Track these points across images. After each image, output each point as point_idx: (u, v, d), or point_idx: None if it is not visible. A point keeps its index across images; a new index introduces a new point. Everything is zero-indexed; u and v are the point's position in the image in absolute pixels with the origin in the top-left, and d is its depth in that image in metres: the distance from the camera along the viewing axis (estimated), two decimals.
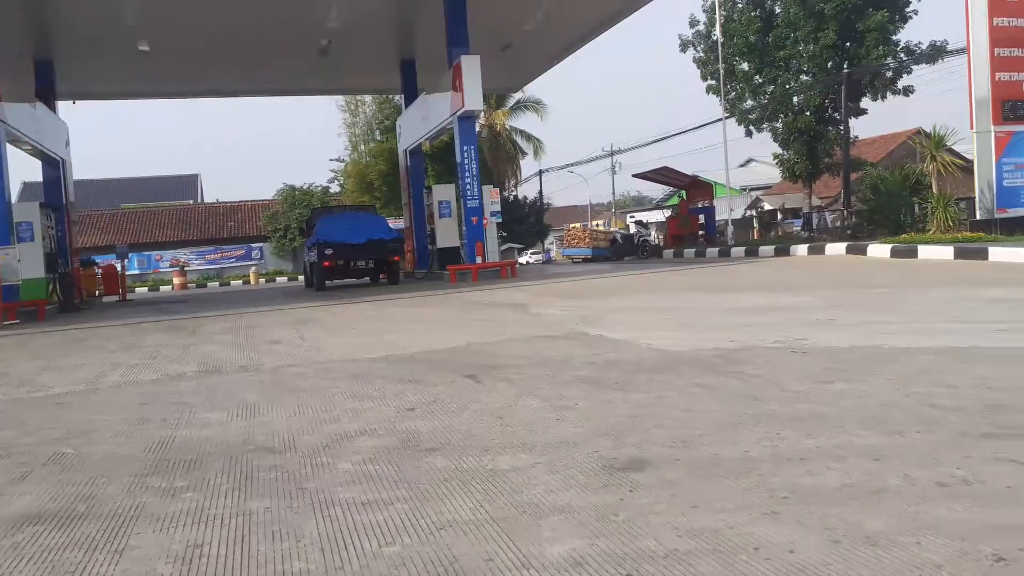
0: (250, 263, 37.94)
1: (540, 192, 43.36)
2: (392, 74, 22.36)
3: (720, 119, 24.97)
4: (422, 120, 19.65)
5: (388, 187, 31.73)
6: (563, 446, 3.18)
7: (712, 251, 20.44)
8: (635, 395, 4.03)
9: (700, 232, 24.25)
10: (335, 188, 40.27)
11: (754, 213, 36.06)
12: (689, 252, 21.36)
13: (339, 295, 14.53)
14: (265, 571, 2.16)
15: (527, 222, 37.75)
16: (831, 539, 2.12)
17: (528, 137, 38.86)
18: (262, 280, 34.17)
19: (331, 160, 53.63)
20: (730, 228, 24.72)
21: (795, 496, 2.47)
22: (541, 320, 7.92)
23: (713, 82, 25.36)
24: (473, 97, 15.73)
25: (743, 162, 50.28)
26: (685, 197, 26.62)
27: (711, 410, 3.63)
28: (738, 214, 33.71)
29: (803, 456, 2.86)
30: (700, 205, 25.30)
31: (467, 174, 16.41)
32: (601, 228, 42.53)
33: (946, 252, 13.48)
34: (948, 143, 18.60)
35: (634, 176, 28.18)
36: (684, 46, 26.53)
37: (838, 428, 3.21)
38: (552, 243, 57.50)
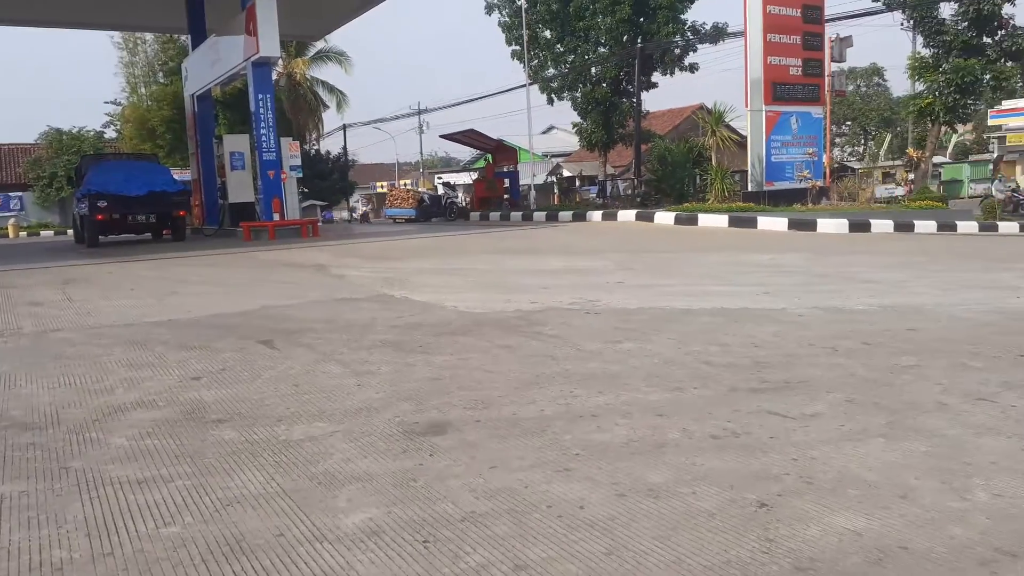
0: (8, 214, 33.48)
1: (344, 147, 42.04)
2: (177, 11, 20.43)
3: (523, 85, 25.45)
4: (212, 64, 18.19)
5: (172, 135, 29.21)
6: (363, 413, 3.10)
7: (516, 215, 20.95)
8: (439, 358, 4.02)
9: (505, 196, 24.75)
10: (111, 134, 36.49)
11: (555, 179, 37.41)
12: (495, 215, 21.75)
13: (115, 252, 13.20)
14: (19, 563, 1.90)
15: (330, 179, 36.49)
16: (618, 493, 2.23)
17: (331, 89, 37.38)
18: (23, 234, 30.33)
19: (106, 103, 48.31)
20: (533, 193, 25.45)
21: (586, 453, 2.57)
22: (344, 282, 7.69)
23: (517, 48, 25.75)
24: (269, 42, 14.79)
25: (545, 129, 51.82)
26: (491, 161, 26.98)
27: (511, 371, 3.70)
28: (540, 180, 34.80)
29: (594, 413, 3.00)
30: (505, 169, 25.78)
31: (263, 125, 15.47)
32: (409, 189, 42.18)
33: (722, 220, 14.78)
34: (727, 119, 20.34)
35: (441, 137, 28.03)
36: (490, 9, 26.64)
37: (626, 385, 3.39)
38: (358, 201, 56.12)
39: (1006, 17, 21.59)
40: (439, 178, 36.60)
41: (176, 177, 17.56)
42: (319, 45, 34.36)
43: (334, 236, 16.33)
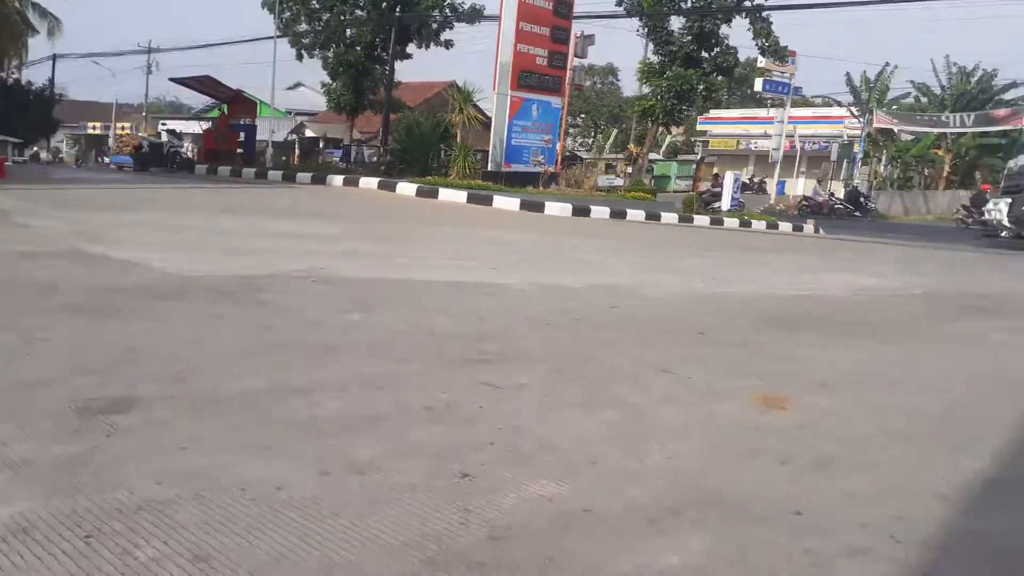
0: None
1: (52, 80, 36.57)
2: None
3: (272, 37, 23.93)
4: None
5: None
6: (30, 387, 2.67)
7: (249, 172, 19.68)
8: (137, 324, 3.60)
9: (239, 150, 23.16)
10: None
11: (297, 138, 35.79)
12: (224, 170, 20.22)
13: None
14: None
15: (30, 112, 31.58)
16: (321, 472, 2.14)
17: (44, 12, 32.19)
18: None
19: None
20: (270, 150, 24.12)
21: (293, 430, 2.44)
22: (29, 233, 6.65)
23: None
24: None
25: (292, 85, 49.30)
26: (226, 111, 25.04)
27: (220, 341, 3.43)
28: (280, 137, 33.09)
29: (308, 388, 2.86)
30: (242, 122, 24.10)
31: None
32: (128, 133, 37.85)
33: (461, 196, 15.12)
34: (475, 99, 20.77)
35: (172, 80, 25.33)
36: None
37: (346, 358, 3.29)
38: (62, 141, 49.29)
39: (722, 37, 24.47)
40: (163, 124, 33.21)
41: None
42: None
43: (26, 179, 14.14)
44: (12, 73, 32.56)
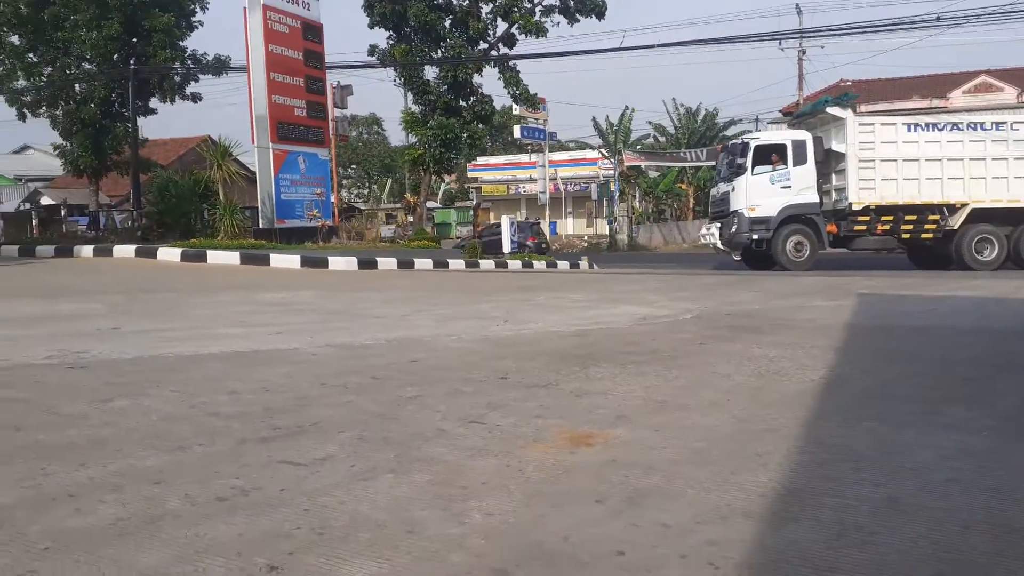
0: None
1: None
2: None
3: None
4: None
5: None
6: None
7: None
8: None
9: None
10: None
11: (32, 207, 32.03)
12: None
13: None
14: None
15: None
16: None
17: None
18: None
19: None
20: (0, 223, 21.33)
21: (59, 544, 2.08)
22: None
23: None
24: None
25: (18, 148, 44.25)
26: None
27: None
28: (11, 207, 29.45)
29: (73, 492, 2.47)
30: None
31: None
32: None
33: (233, 257, 14.31)
34: (234, 154, 19.88)
35: None
36: None
37: (117, 452, 2.90)
38: None
39: (476, 85, 25.58)
40: None
41: None
42: None
43: None
44: None
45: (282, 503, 2.41)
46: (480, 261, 17.23)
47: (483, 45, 25.77)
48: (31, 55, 21.84)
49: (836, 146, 17.17)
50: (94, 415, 3.44)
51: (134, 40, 22.12)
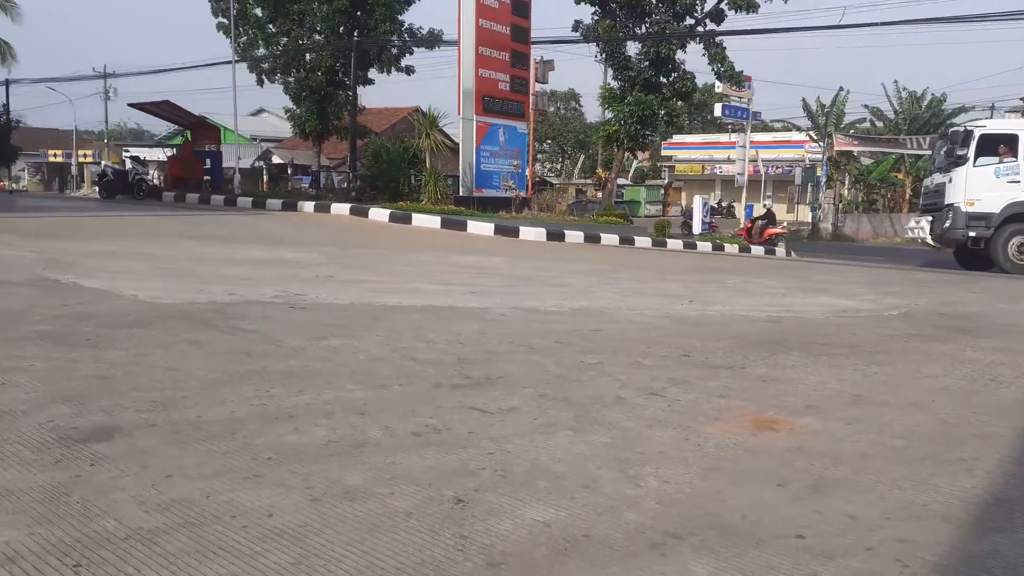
0: None
1: (6, 105, 35.99)
2: None
3: (230, 62, 23.82)
4: None
5: None
6: (7, 416, 2.57)
7: (218, 199, 19.48)
8: (111, 353, 3.50)
9: (206, 177, 22.92)
10: None
11: (263, 165, 35.57)
12: (192, 197, 19.99)
13: None
14: None
15: None
16: (311, 498, 2.08)
17: None
18: None
19: None
20: (237, 177, 23.89)
21: (280, 456, 2.38)
22: None
23: (225, 20, 24.01)
24: None
25: (255, 111, 49.09)
26: (191, 138, 24.81)
27: (199, 368, 3.34)
28: (247, 163, 32.85)
29: (292, 414, 2.80)
30: (207, 148, 23.88)
31: None
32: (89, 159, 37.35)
33: (435, 221, 15.11)
34: (441, 124, 20.84)
35: (131, 106, 25.06)
36: None
37: (329, 384, 3.23)
38: (23, 169, 48.43)
39: (679, 62, 24.91)
40: (126, 151, 32.80)
41: None
42: None
43: None
44: None
45: (469, 444, 2.59)
46: (667, 240, 16.93)
47: (689, 20, 24.98)
48: (271, 26, 24.08)
49: None
50: (311, 350, 3.84)
51: (359, 13, 23.70)
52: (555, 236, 14.49)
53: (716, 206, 36.64)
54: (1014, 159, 15.10)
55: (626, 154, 27.46)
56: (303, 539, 1.84)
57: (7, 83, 36.84)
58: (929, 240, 16.51)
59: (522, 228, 14.72)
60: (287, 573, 1.68)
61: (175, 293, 5.24)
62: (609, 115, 26.05)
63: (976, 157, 15.16)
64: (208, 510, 1.96)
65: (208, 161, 23.35)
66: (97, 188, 22.75)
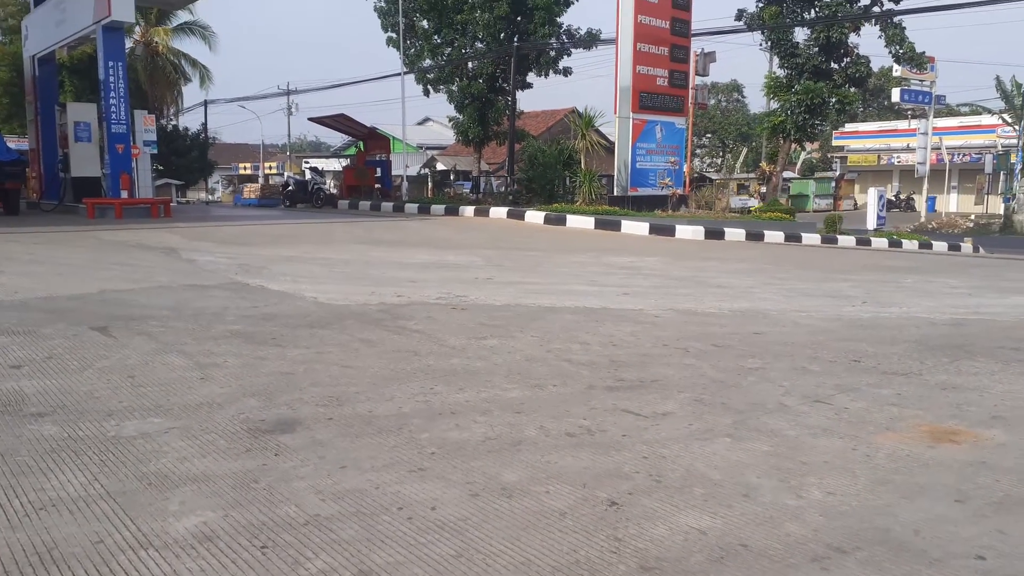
0: None
1: (205, 124, 39.92)
2: None
3: (399, 74, 25.06)
4: (57, 24, 16.70)
5: (10, 99, 26.73)
6: (204, 408, 2.89)
7: (387, 205, 20.60)
8: (293, 351, 3.83)
9: (376, 185, 24.31)
10: None
11: (428, 171, 37.13)
12: (364, 204, 21.28)
13: None
14: None
15: (188, 156, 34.52)
16: (471, 493, 2.18)
17: (194, 63, 35.32)
18: None
19: None
20: (405, 184, 25.12)
21: (442, 451, 2.51)
22: (195, 267, 7.24)
23: (393, 35, 25.31)
24: (122, 5, 13.75)
25: (421, 120, 51.35)
26: (363, 148, 26.38)
27: (370, 366, 3.58)
28: (414, 171, 34.45)
29: (453, 411, 2.94)
30: (377, 158, 25.30)
31: (113, 94, 14.35)
32: (274, 171, 40.49)
33: (588, 222, 15.14)
34: (596, 124, 20.86)
35: (310, 120, 27.05)
36: None
37: (487, 382, 3.36)
38: (218, 182, 53.37)
39: (851, 46, 23.40)
40: (306, 163, 35.41)
41: (12, 146, 16.02)
42: (183, 16, 32.43)
43: (189, 218, 15.42)
44: (170, 120, 35.76)
45: (623, 447, 2.60)
46: (839, 237, 15.95)
47: (864, 1, 23.40)
48: (436, 37, 25.13)
49: None
50: (471, 349, 4.00)
51: (519, 19, 24.21)
52: (714, 234, 14.08)
53: (893, 199, 34.06)
54: None
55: (793, 145, 26.16)
56: (463, 532, 1.94)
57: (206, 104, 40.85)
58: None
59: (678, 226, 14.42)
60: (448, 565, 1.78)
61: (350, 295, 5.62)
62: (775, 105, 24.94)
63: None
64: (378, 501, 2.11)
65: (379, 169, 24.75)
66: (281, 198, 24.70)
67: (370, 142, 26.00)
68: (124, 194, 14.32)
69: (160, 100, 33.19)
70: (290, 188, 23.91)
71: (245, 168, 56.70)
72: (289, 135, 51.15)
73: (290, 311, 4.93)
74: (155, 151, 18.69)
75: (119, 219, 13.53)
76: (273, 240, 10.66)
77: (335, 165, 34.36)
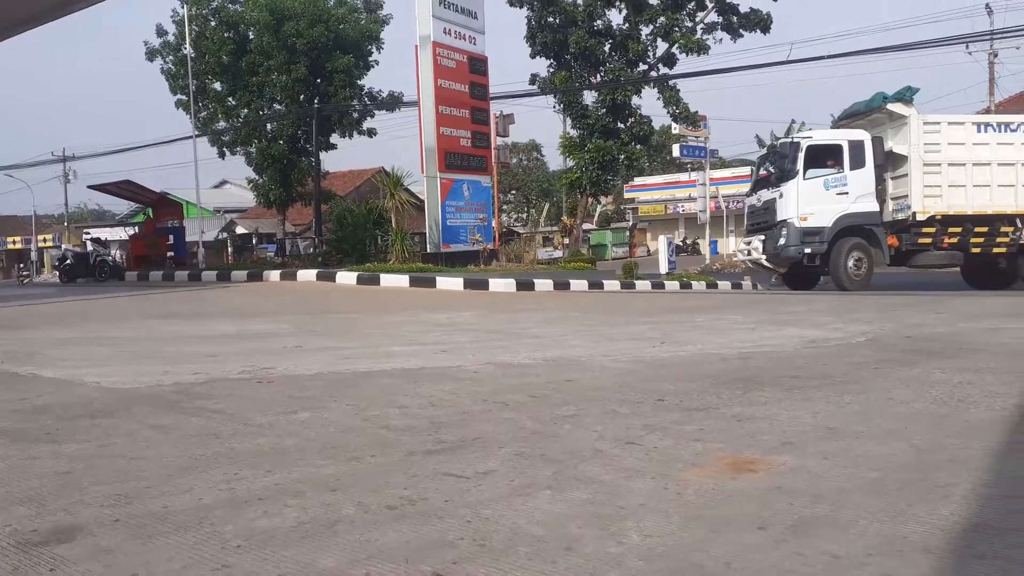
0: None
1: None
2: None
3: (190, 136, 23.90)
4: None
5: None
6: None
7: (182, 274, 19.33)
8: (71, 446, 3.40)
9: (169, 253, 22.77)
10: None
11: (227, 236, 35.43)
12: (156, 275, 19.82)
13: None
14: None
15: None
16: None
17: None
18: None
19: None
20: (201, 251, 23.76)
21: (249, 543, 2.30)
22: None
23: (184, 97, 24.19)
24: None
25: (217, 183, 49.09)
26: (152, 215, 24.70)
27: (164, 455, 3.25)
28: (211, 236, 32.72)
29: (261, 496, 2.72)
30: (169, 224, 23.77)
31: None
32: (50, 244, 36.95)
33: (403, 280, 15.09)
34: (405, 183, 21.02)
35: (91, 188, 25.01)
36: (151, 55, 24.78)
37: (299, 460, 3.15)
38: None
39: (635, 107, 25.51)
40: (87, 233, 32.49)
41: None
42: None
43: None
44: None
45: (446, 514, 2.52)
46: (636, 282, 17.06)
47: (642, 67, 25.67)
48: (230, 99, 24.30)
49: (897, 148, 15.10)
50: (280, 425, 3.76)
51: (318, 81, 24.04)
52: (525, 286, 14.54)
53: (681, 244, 37.08)
54: (840, 170, 14.87)
55: (590, 199, 27.85)
56: None
57: None
58: (764, 261, 15.82)
59: (491, 280, 14.75)
60: None
61: (139, 377, 5.12)
62: (571, 163, 26.48)
63: (805, 170, 14.84)
64: None
65: (171, 237, 23.24)
66: (57, 273, 22.43)
67: (160, 208, 24.43)
68: None
69: None
70: (68, 262, 21.76)
71: (15, 243, 51.05)
72: (67, 204, 46.92)
73: (68, 400, 4.40)
74: None
75: None
76: (49, 320, 9.58)
77: (121, 235, 31.84)
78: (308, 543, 2.30)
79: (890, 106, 15.31)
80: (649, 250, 42.27)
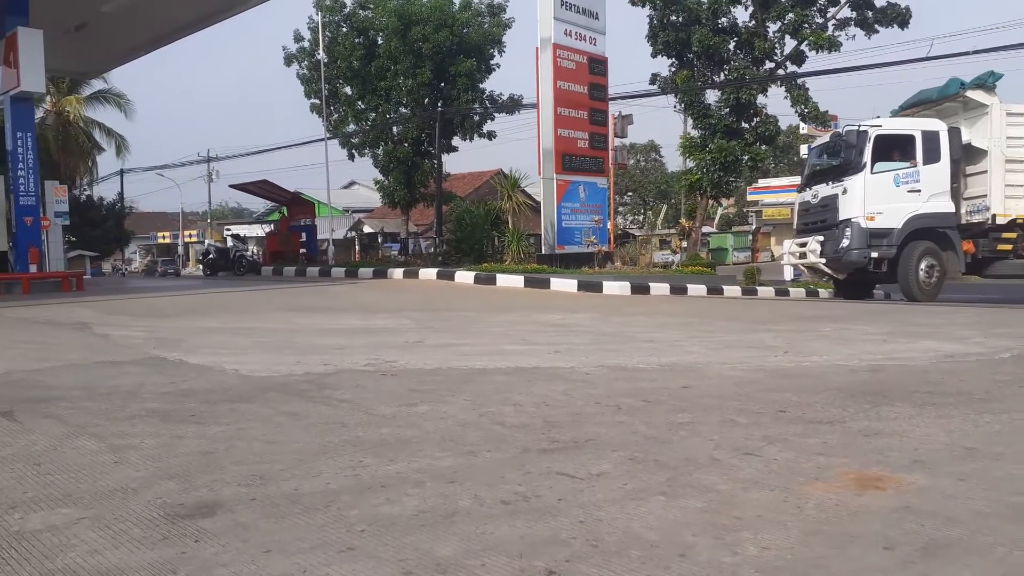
0: None
1: (121, 194, 38.87)
2: None
3: (322, 139, 25.09)
4: None
5: None
6: (118, 494, 2.72)
7: (313, 270, 20.32)
8: (213, 428, 3.67)
9: (301, 250, 24.01)
10: None
11: (355, 235, 36.95)
12: (289, 270, 20.94)
13: None
14: None
15: (103, 227, 33.45)
16: (404, 571, 2.10)
17: (109, 132, 34.60)
18: None
19: None
20: (331, 248, 24.89)
21: (373, 528, 2.42)
22: (109, 342, 6.93)
23: (317, 101, 25.42)
24: (32, 76, 13.41)
25: (346, 184, 51.28)
26: (287, 213, 26.11)
27: (295, 440, 3.46)
28: (340, 235, 34.21)
29: (384, 484, 2.85)
30: (302, 223, 25.07)
31: (21, 165, 13.87)
32: (195, 239, 39.70)
33: (518, 280, 15.27)
34: (522, 185, 21.28)
35: (232, 187, 26.76)
36: (288, 60, 26.18)
37: (419, 451, 3.28)
38: (135, 252, 51.81)
39: (760, 106, 24.69)
40: (227, 230, 34.76)
41: None
42: (96, 84, 31.86)
43: (102, 290, 14.83)
44: (84, 189, 34.74)
45: (559, 512, 2.56)
46: (758, 288, 16.50)
47: (769, 65, 24.81)
48: (360, 103, 25.37)
49: (975, 142, 13.22)
50: (401, 417, 3.92)
51: (442, 84, 24.70)
52: (640, 289, 14.37)
53: None
54: (911, 164, 13.07)
55: (710, 201, 27.19)
56: None
57: (121, 173, 39.90)
58: (822, 265, 14.03)
59: (605, 283, 14.68)
60: None
61: (273, 366, 5.46)
62: (691, 164, 25.94)
63: (873, 163, 13.06)
64: None
65: (303, 234, 24.50)
66: (201, 266, 24.13)
67: (294, 207, 25.79)
68: (33, 268, 13.72)
69: (73, 170, 32.27)
70: (211, 256, 23.37)
71: (164, 237, 55.27)
72: (210, 202, 50.33)
73: (210, 386, 4.74)
74: (67, 222, 18.06)
75: (27, 295, 12.92)
76: (193, 311, 10.33)
77: (258, 231, 33.83)
78: (427, 531, 2.39)
79: (970, 93, 13.53)
80: (773, 255, 40.74)
